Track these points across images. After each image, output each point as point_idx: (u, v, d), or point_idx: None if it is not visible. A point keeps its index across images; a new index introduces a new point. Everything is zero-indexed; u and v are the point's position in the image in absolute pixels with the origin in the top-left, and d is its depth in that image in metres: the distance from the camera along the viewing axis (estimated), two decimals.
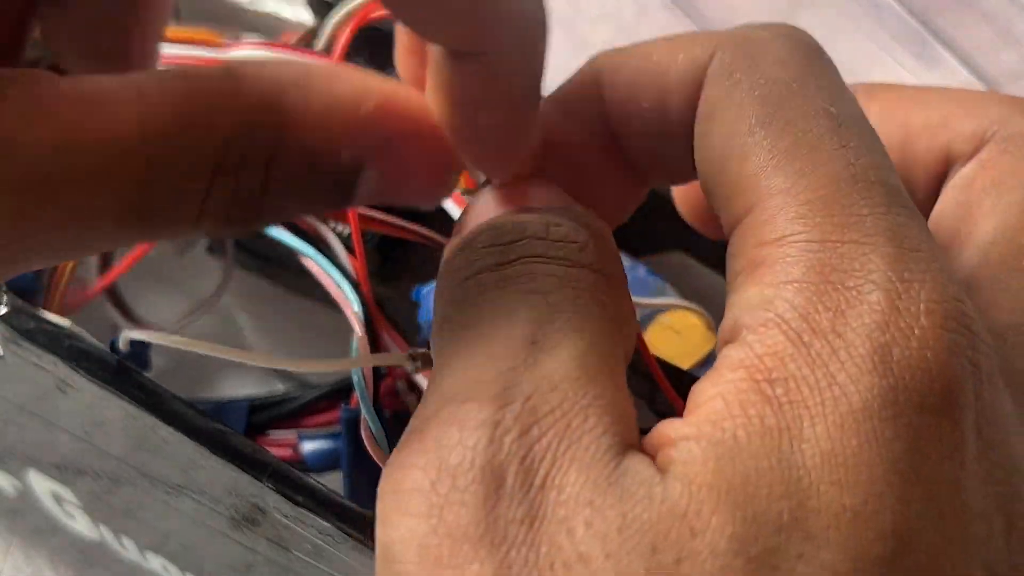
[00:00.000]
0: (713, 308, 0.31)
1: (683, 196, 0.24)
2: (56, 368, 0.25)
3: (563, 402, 0.14)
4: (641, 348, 0.19)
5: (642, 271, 0.31)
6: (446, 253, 0.18)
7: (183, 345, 0.22)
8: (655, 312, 0.29)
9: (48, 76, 0.15)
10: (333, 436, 0.29)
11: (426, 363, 0.24)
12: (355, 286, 0.27)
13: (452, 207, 0.26)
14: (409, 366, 0.24)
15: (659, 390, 0.20)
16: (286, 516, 0.24)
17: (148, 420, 0.24)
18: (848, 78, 0.21)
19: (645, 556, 0.13)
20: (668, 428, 0.14)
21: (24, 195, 0.14)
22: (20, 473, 0.30)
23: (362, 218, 0.27)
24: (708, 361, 0.29)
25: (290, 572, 0.26)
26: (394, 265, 0.30)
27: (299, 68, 0.17)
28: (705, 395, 0.14)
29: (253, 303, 0.36)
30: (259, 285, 0.35)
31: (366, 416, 0.23)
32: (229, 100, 0.16)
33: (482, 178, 0.20)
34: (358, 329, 0.26)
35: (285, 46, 0.30)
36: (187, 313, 0.33)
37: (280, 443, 0.29)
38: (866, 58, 0.49)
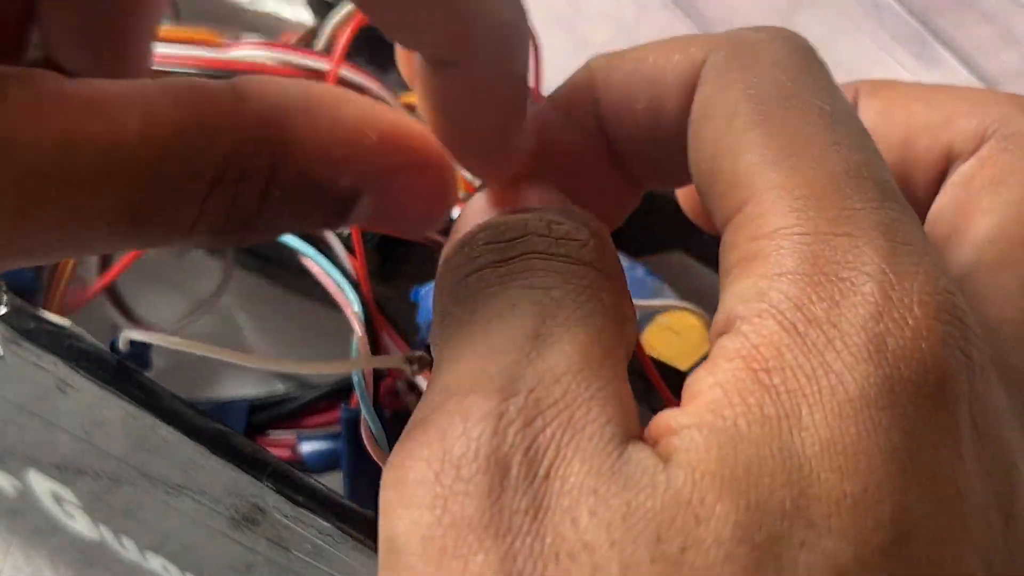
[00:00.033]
0: (712, 308, 0.30)
1: (686, 193, 0.24)
2: (56, 368, 0.25)
3: (566, 394, 0.14)
4: (637, 349, 0.19)
5: (640, 272, 0.31)
6: (444, 252, 0.18)
7: (183, 346, 0.22)
8: (654, 313, 0.29)
9: (53, 76, 0.15)
10: (332, 437, 0.29)
11: (423, 366, 0.24)
12: (355, 286, 0.27)
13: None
14: (407, 369, 0.24)
15: (654, 391, 0.20)
16: (286, 516, 0.24)
17: (148, 420, 0.24)
18: (848, 78, 0.21)
19: (650, 545, 0.13)
20: (668, 418, 0.14)
21: (24, 194, 0.14)
22: (20, 473, 0.30)
23: None
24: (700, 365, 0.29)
25: (290, 572, 0.26)
26: (394, 265, 0.30)
27: (306, 90, 0.17)
28: (703, 384, 0.14)
29: (253, 303, 0.36)
30: (259, 285, 0.35)
31: (366, 416, 0.23)
32: (233, 116, 0.16)
33: (479, 181, 0.20)
34: (358, 329, 0.26)
35: (285, 46, 0.30)
36: (187, 313, 0.33)
37: (279, 443, 0.29)
38: (866, 58, 0.49)
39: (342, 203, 0.17)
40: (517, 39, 0.17)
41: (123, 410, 0.25)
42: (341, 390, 0.29)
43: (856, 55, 0.49)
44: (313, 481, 0.24)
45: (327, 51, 0.30)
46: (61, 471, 0.28)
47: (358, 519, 0.24)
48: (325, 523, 0.24)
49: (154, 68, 0.20)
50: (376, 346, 0.26)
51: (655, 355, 0.28)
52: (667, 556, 0.13)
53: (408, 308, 0.28)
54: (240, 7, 0.35)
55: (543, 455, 0.14)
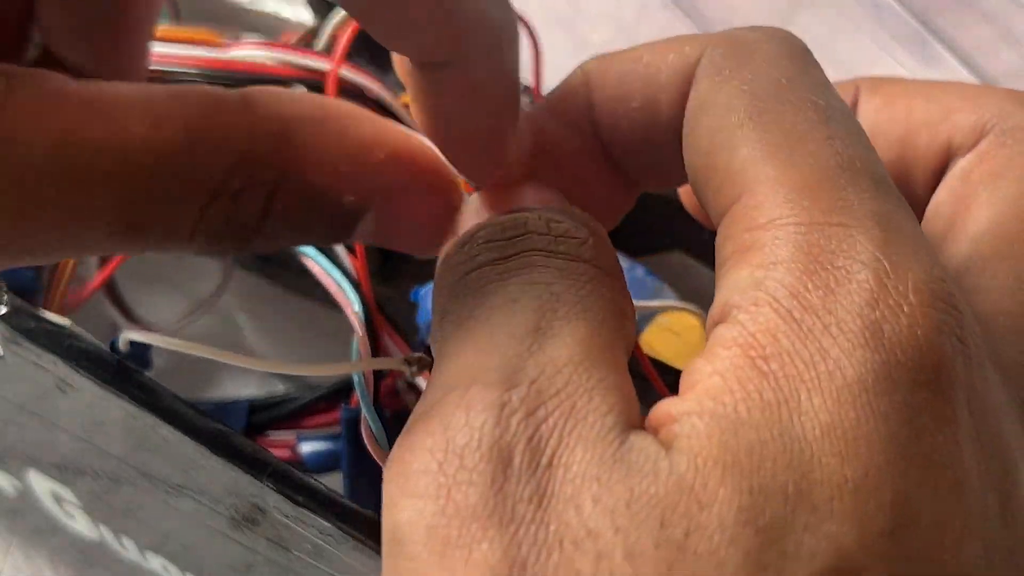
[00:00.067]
0: (710, 306, 0.31)
1: (688, 191, 0.24)
2: (56, 368, 0.25)
3: (568, 384, 0.14)
4: (635, 349, 0.19)
5: (640, 272, 0.31)
6: (443, 251, 0.18)
7: (182, 348, 0.22)
8: (653, 313, 0.29)
9: (56, 76, 0.15)
10: (331, 437, 0.29)
11: (422, 367, 0.24)
12: (355, 286, 0.27)
13: None
14: (406, 370, 0.24)
15: (653, 391, 0.20)
16: (286, 516, 0.24)
17: (148, 420, 0.24)
18: (848, 78, 0.21)
19: (653, 531, 0.13)
20: (668, 406, 0.14)
21: (24, 194, 0.14)
22: (20, 473, 0.30)
23: None
24: None
25: (290, 572, 0.26)
26: (394, 265, 0.30)
27: (318, 103, 0.17)
28: (701, 373, 0.14)
29: (253, 303, 0.36)
30: (259, 285, 0.35)
31: (366, 416, 0.23)
32: (240, 127, 0.16)
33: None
34: (358, 329, 0.26)
35: (285, 46, 0.29)
36: (187, 313, 0.33)
37: (278, 444, 0.29)
38: (866, 58, 0.49)
39: (346, 219, 0.17)
40: (506, 40, 0.17)
41: (123, 410, 0.25)
42: (341, 390, 0.29)
43: (856, 55, 0.49)
44: (313, 481, 0.24)
45: (327, 51, 0.30)
46: (61, 471, 0.28)
47: (358, 519, 0.24)
48: (325, 523, 0.24)
49: (154, 68, 0.20)
50: (376, 346, 0.26)
51: (654, 355, 0.28)
52: (671, 541, 0.13)
53: (408, 308, 0.28)
54: (240, 7, 0.35)
55: (546, 444, 0.14)
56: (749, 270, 0.15)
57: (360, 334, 0.26)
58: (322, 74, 0.29)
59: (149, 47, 0.19)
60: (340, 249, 0.28)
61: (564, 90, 0.19)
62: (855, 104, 0.21)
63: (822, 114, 0.16)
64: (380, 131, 0.17)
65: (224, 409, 0.30)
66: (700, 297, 0.31)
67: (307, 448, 0.29)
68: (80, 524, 0.31)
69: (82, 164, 0.14)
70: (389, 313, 0.27)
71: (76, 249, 0.16)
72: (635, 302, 0.30)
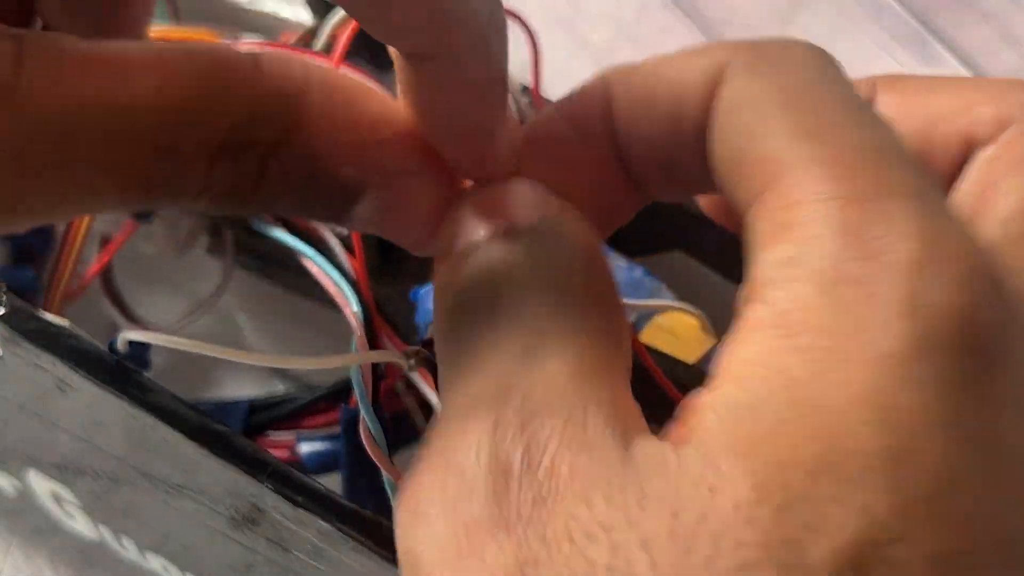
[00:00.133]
0: (712, 308, 0.31)
1: (707, 197, 0.24)
2: (55, 368, 0.25)
3: (562, 397, 0.15)
4: (636, 348, 0.19)
5: (639, 272, 0.31)
6: (438, 268, 0.18)
7: (180, 345, 0.22)
8: (651, 313, 0.29)
9: (67, 37, 0.15)
10: (330, 438, 0.29)
11: (420, 361, 0.24)
12: (354, 286, 0.27)
13: None
14: (404, 364, 0.24)
15: (659, 400, 0.20)
16: (286, 516, 0.24)
17: (148, 420, 0.24)
18: (848, 78, 0.21)
19: (667, 519, 0.13)
20: (692, 401, 0.15)
21: (41, 153, 0.14)
22: (20, 473, 0.30)
23: None
24: (704, 361, 0.29)
25: (290, 572, 0.26)
26: (393, 265, 0.30)
27: (328, 73, 0.17)
28: (731, 359, 0.14)
29: (253, 303, 0.36)
30: (259, 285, 0.35)
31: (365, 417, 0.23)
32: (248, 86, 0.16)
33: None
34: (357, 329, 0.26)
35: (284, 46, 0.30)
36: (187, 313, 0.33)
37: (277, 444, 0.29)
38: (866, 58, 0.49)
39: (343, 195, 0.17)
40: (494, 33, 0.17)
41: (123, 410, 0.25)
42: (340, 391, 0.29)
43: (856, 55, 0.49)
44: (313, 482, 0.24)
45: (326, 51, 0.30)
46: (61, 471, 0.28)
47: (357, 520, 0.24)
48: (325, 524, 0.24)
49: None
50: (375, 346, 0.26)
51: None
52: (685, 526, 0.13)
53: (407, 308, 0.28)
54: (239, 7, 0.35)
55: (544, 451, 0.14)
56: (785, 246, 0.15)
57: (359, 333, 0.26)
58: None
59: (149, 20, 0.20)
60: (339, 249, 0.28)
61: (581, 95, 0.19)
62: (872, 101, 0.21)
63: (852, 105, 0.16)
64: (388, 111, 0.17)
65: (223, 409, 0.30)
66: (699, 297, 0.31)
67: (306, 448, 0.29)
68: (80, 524, 0.31)
69: (95, 123, 0.14)
70: (388, 313, 0.27)
71: (91, 205, 0.16)
72: (633, 302, 0.30)
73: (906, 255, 0.14)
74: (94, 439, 0.26)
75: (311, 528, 0.24)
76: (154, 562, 0.30)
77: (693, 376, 0.25)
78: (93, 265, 0.31)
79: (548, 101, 0.33)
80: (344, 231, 0.28)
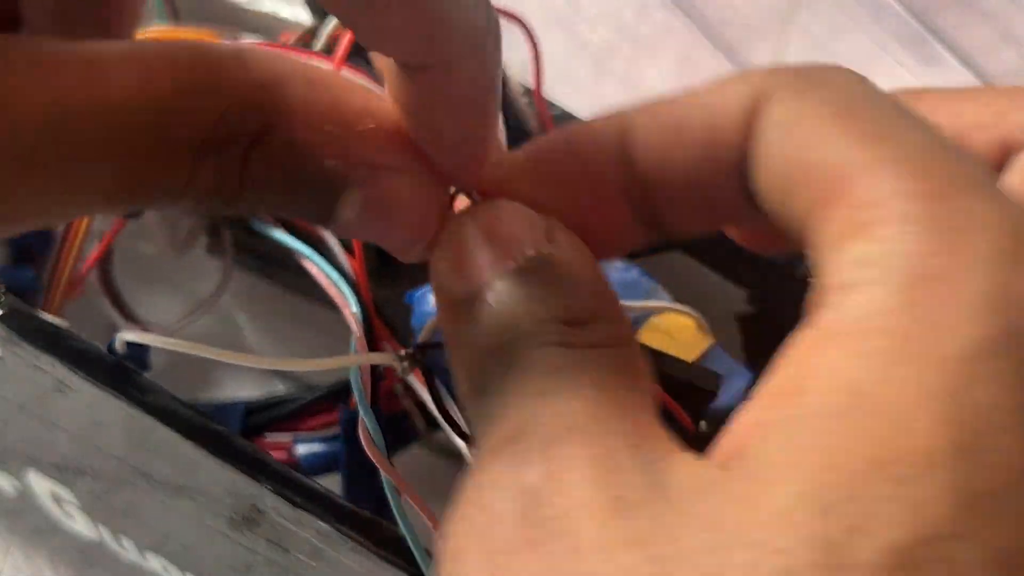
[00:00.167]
0: (710, 307, 0.31)
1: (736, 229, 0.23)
2: (54, 369, 0.25)
3: (583, 430, 0.15)
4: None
5: (635, 272, 0.31)
6: (442, 308, 0.18)
7: (177, 347, 0.22)
8: (647, 315, 0.29)
9: (47, 40, 0.15)
10: (328, 439, 0.29)
11: (414, 364, 0.24)
12: (353, 287, 0.27)
13: None
14: (398, 366, 0.24)
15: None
16: (285, 517, 0.24)
17: (147, 421, 0.24)
18: None
19: (708, 533, 0.13)
20: (750, 415, 0.14)
21: (23, 158, 0.14)
22: (20, 473, 0.30)
23: None
24: (701, 361, 0.29)
25: (289, 573, 0.26)
26: (392, 266, 0.30)
27: (310, 67, 0.17)
28: (794, 371, 0.14)
29: (252, 303, 0.36)
30: (258, 285, 0.36)
31: (364, 418, 0.23)
32: (231, 79, 0.16)
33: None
34: (356, 329, 0.26)
35: (284, 47, 0.30)
36: (186, 313, 0.33)
37: (275, 446, 0.29)
38: (866, 58, 0.49)
39: (328, 191, 0.17)
40: (488, 42, 0.17)
41: (122, 411, 0.25)
42: (339, 392, 0.29)
43: (856, 55, 0.49)
44: (312, 482, 0.24)
45: (326, 51, 0.30)
46: (61, 471, 0.28)
47: (356, 520, 0.24)
48: (324, 524, 0.24)
49: None
50: (374, 347, 0.26)
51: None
52: (727, 537, 0.12)
53: (406, 308, 0.28)
54: (239, 7, 0.35)
55: (568, 469, 0.14)
56: (862, 245, 0.14)
57: (358, 334, 0.26)
58: None
59: (137, 26, 0.19)
60: (338, 249, 0.28)
61: (593, 125, 0.19)
62: None
63: (904, 112, 0.16)
64: (371, 104, 0.17)
65: (219, 411, 0.30)
66: (696, 298, 0.31)
67: (303, 450, 0.29)
68: (80, 524, 0.31)
69: (77, 123, 0.14)
70: (387, 314, 0.27)
71: (77, 208, 0.16)
72: (629, 303, 0.30)
73: (993, 246, 0.13)
74: (94, 439, 0.26)
75: (310, 528, 0.24)
76: (154, 562, 0.30)
77: (693, 375, 0.25)
78: (86, 263, 0.30)
79: (548, 101, 0.33)
80: None
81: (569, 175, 0.19)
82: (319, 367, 0.23)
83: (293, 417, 0.30)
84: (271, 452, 0.27)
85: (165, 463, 0.25)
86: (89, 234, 0.30)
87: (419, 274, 0.29)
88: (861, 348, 0.13)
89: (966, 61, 0.49)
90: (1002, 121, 0.19)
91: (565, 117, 0.33)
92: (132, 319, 0.32)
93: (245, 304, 0.37)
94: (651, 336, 0.29)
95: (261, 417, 0.30)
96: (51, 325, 0.25)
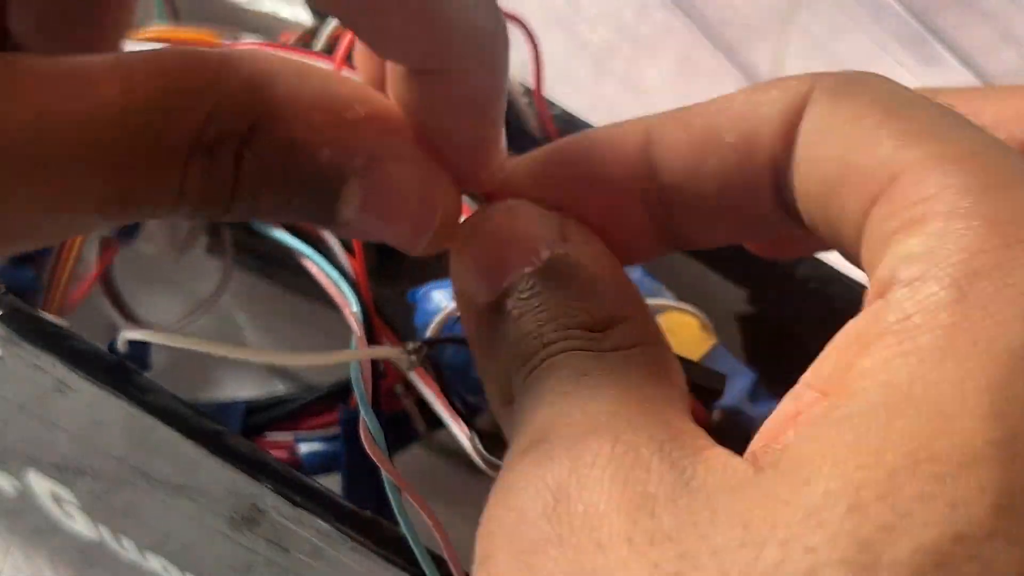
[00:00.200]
0: (712, 307, 0.31)
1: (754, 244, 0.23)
2: (54, 369, 0.25)
3: (607, 427, 0.15)
4: None
5: (638, 273, 0.31)
6: (466, 315, 0.18)
7: (178, 343, 0.22)
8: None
9: (26, 57, 0.15)
10: (329, 439, 0.29)
11: (421, 359, 0.24)
12: (353, 286, 0.27)
13: None
14: (404, 360, 0.24)
15: None
16: (285, 516, 0.24)
17: (147, 420, 0.24)
18: None
19: (738, 531, 0.12)
20: (795, 404, 0.14)
21: (9, 175, 0.14)
22: (20, 473, 0.30)
23: None
24: (705, 361, 0.29)
25: (290, 573, 0.26)
26: (392, 265, 0.30)
27: (294, 61, 0.17)
28: (842, 370, 0.14)
29: (252, 303, 0.36)
30: (258, 285, 0.35)
31: (365, 417, 0.23)
32: (214, 77, 0.16)
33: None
34: (356, 329, 0.26)
35: (284, 47, 0.30)
36: (187, 313, 0.33)
37: (276, 445, 0.29)
38: (866, 58, 0.49)
39: (325, 187, 0.17)
40: (497, 47, 0.17)
41: (122, 410, 0.25)
42: (339, 392, 0.29)
43: (856, 55, 0.49)
44: (312, 482, 0.24)
45: (326, 52, 0.30)
46: (61, 471, 0.28)
47: (356, 520, 0.24)
48: (324, 524, 0.24)
49: None
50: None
51: None
52: (756, 535, 0.12)
53: (407, 308, 0.28)
54: (239, 7, 0.35)
55: (593, 465, 0.14)
56: (917, 239, 0.14)
57: (358, 334, 0.26)
58: None
59: (125, 36, 0.19)
60: (338, 249, 0.28)
61: (613, 132, 0.19)
62: None
63: (946, 111, 0.16)
64: (359, 91, 0.17)
65: (220, 411, 0.30)
66: (699, 297, 0.31)
67: (305, 449, 0.29)
68: (80, 524, 0.31)
69: (62, 136, 0.14)
70: (387, 314, 0.27)
71: (70, 222, 0.16)
72: None
73: None
74: (94, 439, 0.26)
75: (310, 528, 0.24)
76: (154, 562, 0.30)
77: (699, 374, 0.25)
78: (93, 271, 0.30)
79: (548, 101, 0.33)
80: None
81: (587, 181, 0.19)
82: (325, 362, 0.23)
83: (293, 417, 0.30)
84: (271, 451, 0.27)
85: (165, 463, 0.25)
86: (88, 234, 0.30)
87: (420, 273, 0.29)
88: (907, 345, 0.13)
89: (966, 61, 0.49)
90: (1022, 119, 0.19)
91: (565, 117, 0.33)
92: (132, 319, 0.32)
93: (245, 304, 0.37)
94: None
95: (261, 417, 0.30)
96: (51, 325, 0.25)
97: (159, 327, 0.32)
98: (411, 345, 0.24)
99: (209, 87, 0.15)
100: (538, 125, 0.32)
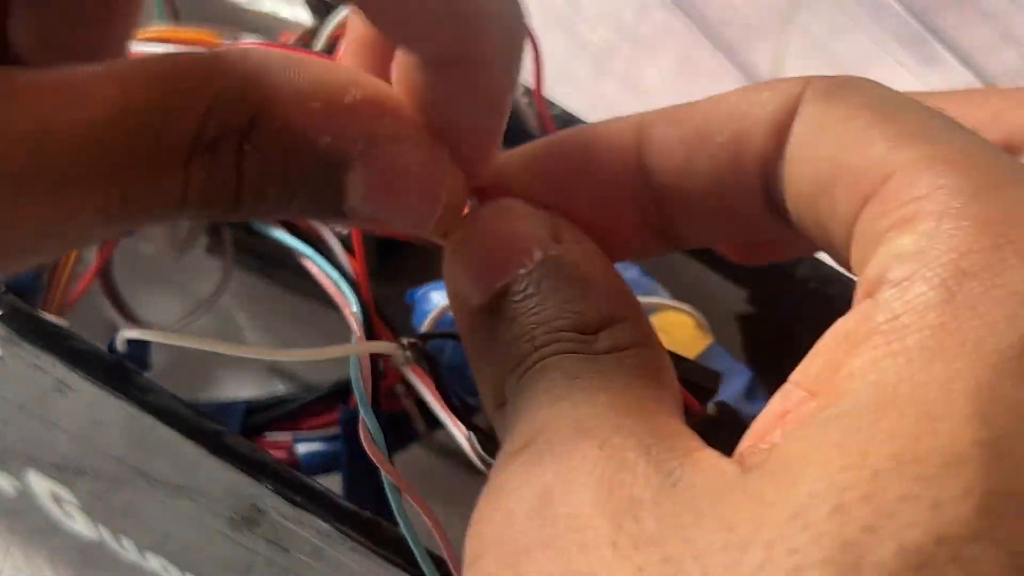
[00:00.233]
0: (707, 305, 0.31)
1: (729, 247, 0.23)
2: (55, 369, 0.25)
3: (594, 431, 0.15)
4: None
5: (634, 271, 0.31)
6: (459, 315, 0.18)
7: (177, 341, 0.22)
8: (646, 313, 0.30)
9: (20, 69, 0.15)
10: (328, 439, 0.29)
11: (416, 353, 0.24)
12: (353, 286, 0.27)
13: None
14: (400, 355, 0.24)
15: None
16: (285, 517, 0.24)
17: (147, 421, 0.24)
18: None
19: (722, 533, 0.12)
20: (771, 411, 0.14)
21: (10, 184, 0.14)
22: (20, 473, 0.30)
23: None
24: (701, 360, 0.29)
25: (289, 573, 0.26)
26: (392, 266, 0.30)
27: (285, 53, 0.17)
28: (830, 370, 0.14)
29: (252, 303, 0.36)
30: (258, 285, 0.36)
31: (365, 417, 0.23)
32: (209, 75, 0.16)
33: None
34: (356, 329, 0.26)
35: (283, 46, 0.30)
36: (187, 313, 0.33)
37: (275, 445, 0.29)
38: (866, 58, 0.49)
39: (330, 172, 0.17)
40: (520, 37, 0.17)
41: (122, 411, 0.25)
42: (339, 392, 0.29)
43: (856, 55, 0.49)
44: (312, 482, 0.24)
45: (326, 52, 0.30)
46: (61, 471, 0.28)
47: (356, 520, 0.24)
48: (324, 524, 0.24)
49: None
50: None
51: None
52: (740, 538, 0.12)
53: (406, 308, 0.28)
54: (239, 7, 0.35)
55: (578, 469, 0.14)
56: (908, 238, 0.14)
57: (358, 334, 0.26)
58: None
59: (128, 47, 0.19)
60: (338, 249, 0.28)
61: (606, 129, 0.19)
62: None
63: (937, 114, 0.16)
64: (354, 76, 0.17)
65: (219, 411, 0.30)
66: (695, 296, 0.31)
67: (303, 449, 0.29)
68: (79, 524, 0.31)
69: (62, 144, 0.14)
70: (386, 314, 0.27)
71: (76, 234, 0.16)
72: None
73: None
74: (94, 439, 0.26)
75: (310, 528, 0.24)
76: (154, 562, 0.30)
77: (693, 372, 0.25)
78: (91, 268, 0.30)
79: (548, 101, 0.33)
80: (344, 231, 0.28)
81: (579, 177, 0.19)
82: (318, 356, 0.23)
83: (293, 417, 0.30)
84: (271, 451, 0.27)
85: (165, 463, 0.25)
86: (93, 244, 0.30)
87: (419, 273, 0.29)
88: (896, 346, 0.13)
89: (966, 61, 0.49)
90: (1000, 122, 0.19)
91: (565, 117, 0.33)
92: (132, 319, 0.32)
93: (245, 304, 0.37)
94: None
95: (261, 417, 0.30)
96: (51, 325, 0.25)
97: (158, 327, 0.32)
98: (406, 340, 0.24)
99: (204, 84, 0.15)
100: (538, 125, 0.32)
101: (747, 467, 0.13)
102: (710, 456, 0.14)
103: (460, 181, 0.18)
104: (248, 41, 0.30)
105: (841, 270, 0.33)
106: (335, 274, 0.27)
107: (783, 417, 0.14)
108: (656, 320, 0.30)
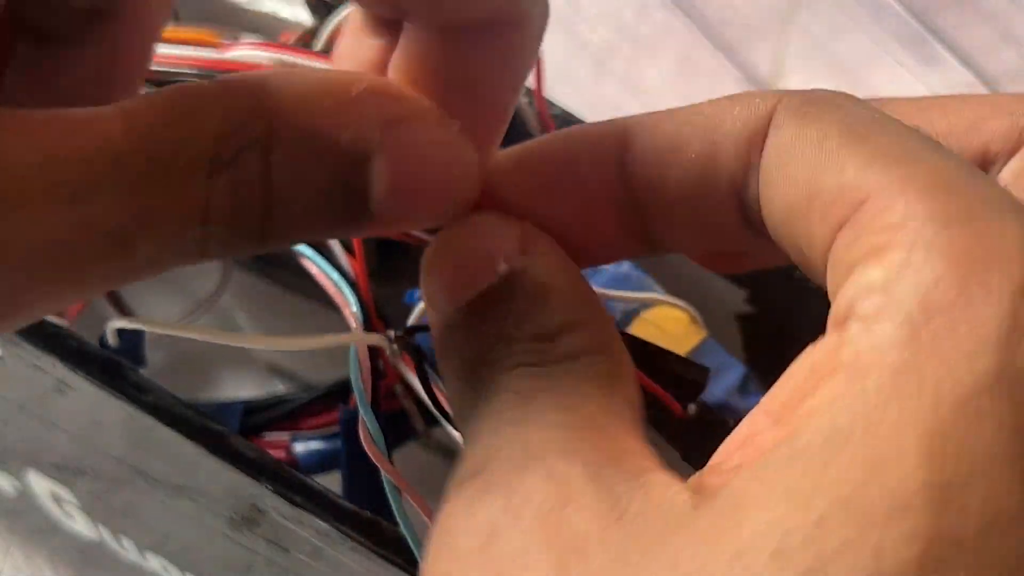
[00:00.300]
0: (700, 301, 0.31)
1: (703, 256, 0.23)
2: (55, 369, 0.25)
3: (543, 458, 0.15)
4: (625, 339, 0.19)
5: (626, 266, 0.31)
6: (431, 326, 0.18)
7: (165, 330, 0.22)
8: (638, 308, 0.29)
9: (22, 109, 0.14)
10: (326, 438, 0.29)
11: (403, 345, 0.24)
12: (353, 286, 0.27)
13: None
14: (387, 347, 0.24)
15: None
16: (285, 517, 0.24)
17: (146, 420, 0.24)
18: (848, 78, 0.21)
19: (667, 571, 0.12)
20: (746, 429, 0.14)
21: (10, 223, 0.14)
22: (20, 473, 0.30)
23: None
24: (694, 355, 0.29)
25: (289, 573, 0.26)
26: (392, 266, 0.30)
27: (284, 68, 0.17)
28: (791, 405, 0.14)
29: (252, 303, 0.37)
30: (258, 285, 0.36)
31: (364, 417, 0.23)
32: (216, 97, 0.16)
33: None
34: (356, 329, 0.26)
35: (284, 46, 0.29)
36: (187, 313, 0.33)
37: (273, 444, 0.29)
38: (866, 58, 0.49)
39: (355, 173, 0.17)
40: (547, 5, 0.17)
41: (121, 411, 0.25)
42: (338, 391, 0.29)
43: (856, 55, 0.49)
44: (312, 482, 0.24)
45: (326, 52, 0.30)
46: (61, 471, 0.28)
47: (356, 520, 0.24)
48: (323, 524, 0.24)
49: (152, 68, 0.20)
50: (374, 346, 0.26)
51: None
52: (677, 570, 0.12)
53: (406, 308, 0.28)
54: (239, 7, 0.35)
55: (526, 502, 0.14)
56: (882, 270, 0.14)
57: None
58: None
59: (139, 87, 0.19)
60: (338, 249, 0.28)
61: (589, 132, 0.19)
62: None
63: (916, 134, 0.16)
64: (351, 73, 0.17)
65: (218, 410, 0.30)
66: (688, 292, 0.31)
67: (301, 449, 0.29)
68: (79, 524, 0.31)
69: (70, 178, 0.14)
70: (387, 314, 0.27)
71: (88, 282, 0.15)
72: (620, 294, 0.30)
73: (1007, 279, 0.13)
74: (93, 439, 0.26)
75: (310, 528, 0.24)
76: (154, 562, 0.30)
77: (682, 367, 0.25)
78: None
79: (548, 101, 0.33)
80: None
81: (561, 178, 0.19)
82: (306, 346, 0.23)
83: (292, 417, 0.30)
84: (270, 451, 0.27)
85: (165, 463, 0.25)
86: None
87: (419, 274, 0.29)
88: (855, 386, 0.13)
89: (966, 61, 0.49)
90: (978, 130, 0.19)
91: (565, 117, 0.33)
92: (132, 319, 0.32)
93: (245, 304, 0.37)
94: (642, 329, 0.29)
95: (260, 417, 0.30)
96: (51, 325, 0.25)
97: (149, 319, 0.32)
98: (393, 332, 0.24)
99: (212, 103, 0.15)
100: (538, 125, 0.32)
101: (701, 497, 0.13)
102: (661, 481, 0.14)
103: (473, 152, 0.18)
104: (248, 41, 0.30)
105: None
106: (335, 274, 0.27)
107: (750, 439, 0.14)
108: (650, 315, 0.30)
